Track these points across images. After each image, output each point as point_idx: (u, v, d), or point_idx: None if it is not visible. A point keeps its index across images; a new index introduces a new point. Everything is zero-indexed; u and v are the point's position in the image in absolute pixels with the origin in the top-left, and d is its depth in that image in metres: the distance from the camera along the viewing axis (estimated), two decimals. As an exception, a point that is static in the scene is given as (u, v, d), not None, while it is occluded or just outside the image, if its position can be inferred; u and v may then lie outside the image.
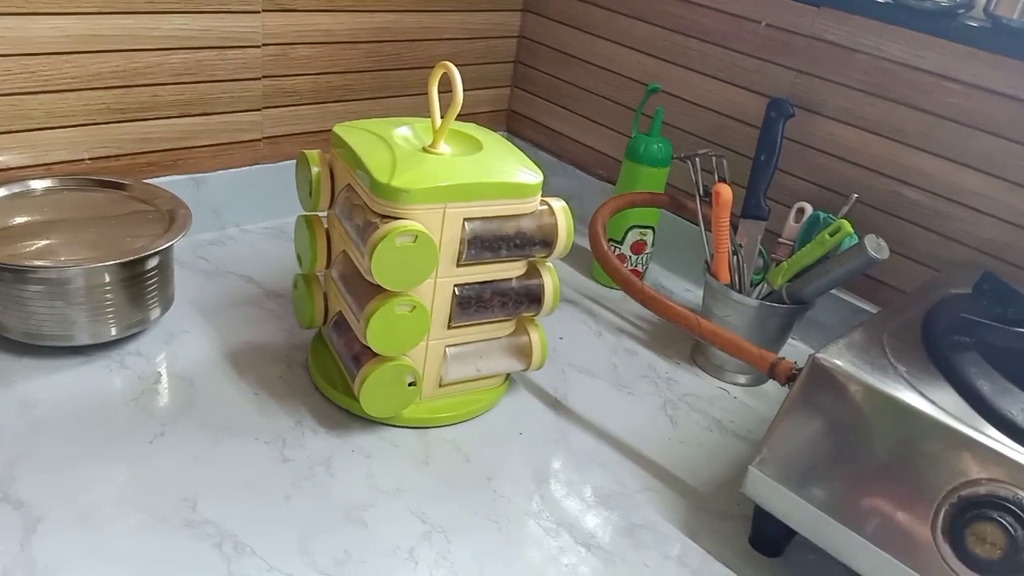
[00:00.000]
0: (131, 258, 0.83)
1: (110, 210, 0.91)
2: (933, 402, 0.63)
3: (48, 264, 0.80)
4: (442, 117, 0.78)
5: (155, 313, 0.90)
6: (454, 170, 0.76)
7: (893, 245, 0.97)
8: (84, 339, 0.85)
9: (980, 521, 0.58)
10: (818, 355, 0.68)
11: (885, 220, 1.00)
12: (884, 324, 0.74)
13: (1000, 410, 0.62)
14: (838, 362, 0.67)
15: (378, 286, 0.74)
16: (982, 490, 0.59)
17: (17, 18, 0.89)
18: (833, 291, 1.00)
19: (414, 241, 0.72)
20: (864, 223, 1.00)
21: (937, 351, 0.69)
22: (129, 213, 0.91)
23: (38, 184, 0.92)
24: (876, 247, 0.84)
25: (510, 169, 0.79)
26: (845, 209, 0.94)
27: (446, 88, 0.75)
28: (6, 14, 0.88)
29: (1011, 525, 0.57)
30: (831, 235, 0.89)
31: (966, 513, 0.59)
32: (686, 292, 1.19)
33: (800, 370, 0.70)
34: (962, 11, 0.90)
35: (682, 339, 1.07)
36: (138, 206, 0.93)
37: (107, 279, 0.83)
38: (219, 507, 0.70)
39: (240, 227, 1.16)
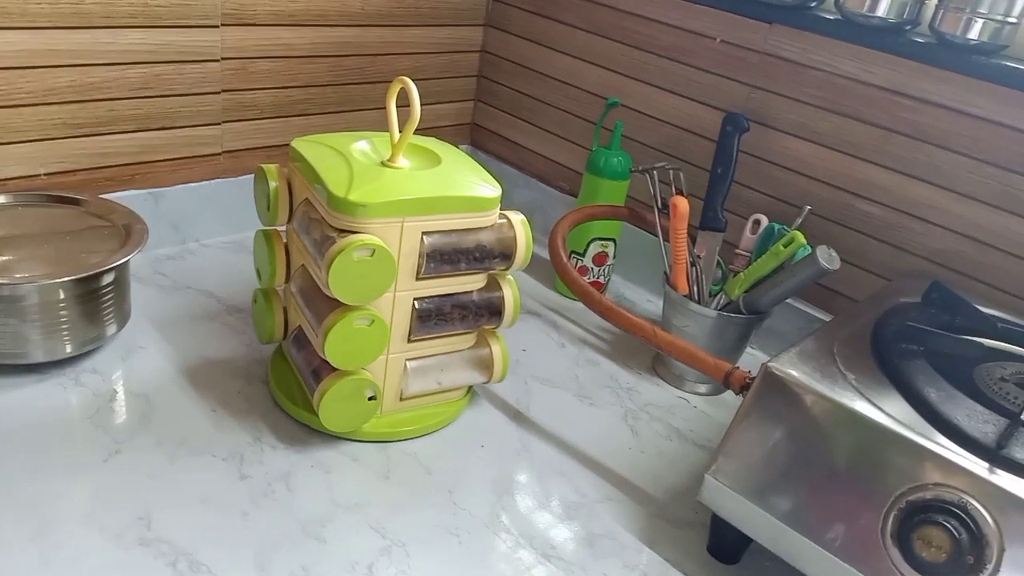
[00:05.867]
0: (85, 274, 0.82)
1: (65, 226, 0.90)
2: (881, 409, 0.65)
3: (1, 281, 0.79)
4: (400, 131, 0.78)
5: (111, 329, 0.89)
6: (412, 184, 0.76)
7: (846, 256, 1.00)
8: (38, 356, 0.83)
9: (926, 525, 0.59)
10: (770, 364, 0.69)
11: (839, 231, 1.02)
12: (835, 333, 0.76)
13: (946, 416, 0.64)
14: (790, 371, 0.68)
15: (337, 300, 0.74)
16: (928, 495, 0.60)
17: (-31, 32, 0.88)
18: (790, 301, 1.01)
19: (372, 255, 0.72)
20: (819, 234, 1.02)
21: (886, 359, 0.71)
22: (84, 229, 0.90)
23: (-9, 200, 0.91)
24: (827, 257, 0.86)
25: (469, 183, 0.80)
26: (799, 221, 0.96)
27: (405, 103, 0.76)
28: (-42, 28, 0.87)
29: (955, 529, 0.58)
30: (785, 246, 0.90)
31: (913, 517, 0.60)
32: (647, 303, 1.21)
33: (753, 379, 0.72)
34: (909, 27, 0.93)
35: (644, 349, 1.08)
36: (93, 221, 0.92)
37: (61, 295, 0.82)
38: (174, 525, 0.70)
39: (200, 242, 1.15)
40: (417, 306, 0.80)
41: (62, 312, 0.83)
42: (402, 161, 0.79)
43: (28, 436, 0.77)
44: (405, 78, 0.76)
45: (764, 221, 0.98)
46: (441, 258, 0.78)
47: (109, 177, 1.04)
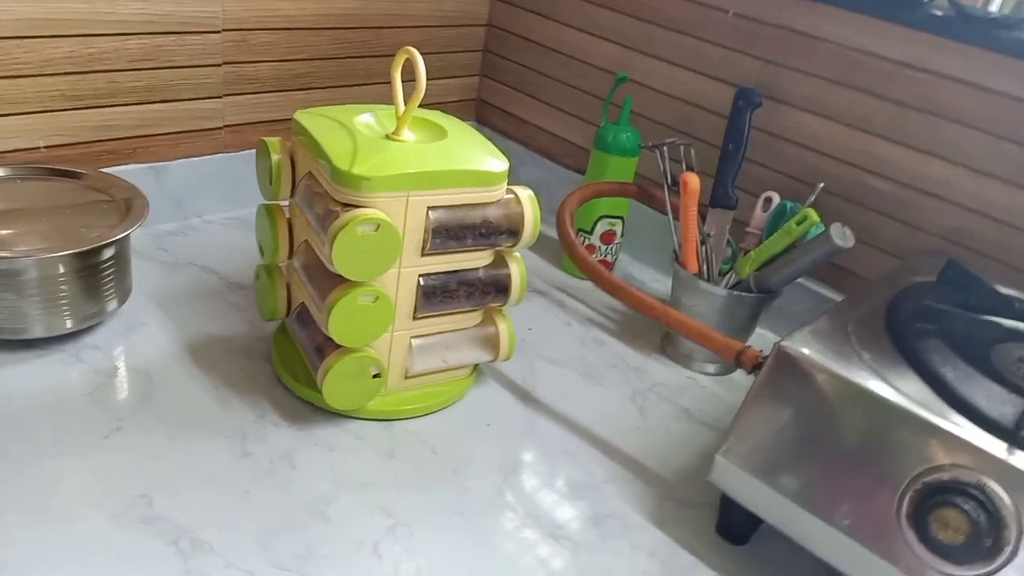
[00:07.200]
0: (85, 248, 0.80)
1: (64, 200, 0.89)
2: (897, 389, 0.63)
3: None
4: (406, 104, 0.76)
5: (112, 305, 0.87)
6: (417, 157, 0.75)
7: (859, 234, 0.98)
8: (38, 332, 0.82)
9: (943, 507, 0.58)
10: (783, 343, 0.68)
11: (851, 209, 1.00)
12: (849, 312, 0.74)
13: (963, 396, 0.62)
14: (803, 350, 0.67)
15: (340, 276, 0.72)
16: (945, 476, 0.59)
17: (-36, 1, 0.86)
18: (801, 280, 1.00)
19: (376, 230, 0.70)
20: (831, 212, 1.00)
21: (901, 338, 0.69)
22: (84, 203, 0.89)
23: (-12, 173, 0.90)
24: (841, 235, 0.85)
25: (475, 157, 0.78)
26: (811, 198, 0.94)
27: (411, 75, 0.74)
28: (-48, -4, 0.85)
29: (973, 511, 0.57)
30: (797, 224, 0.89)
31: (929, 499, 0.59)
32: (656, 283, 1.19)
33: (766, 358, 0.70)
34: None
35: (652, 329, 1.06)
36: (94, 196, 0.90)
37: (61, 270, 0.80)
38: (176, 503, 0.69)
39: (202, 217, 1.13)
40: (422, 283, 0.78)
41: (62, 287, 0.81)
42: (407, 134, 0.77)
43: (28, 412, 0.76)
44: (411, 48, 0.74)
45: (776, 199, 0.96)
46: (447, 234, 0.77)
47: (110, 151, 1.02)
